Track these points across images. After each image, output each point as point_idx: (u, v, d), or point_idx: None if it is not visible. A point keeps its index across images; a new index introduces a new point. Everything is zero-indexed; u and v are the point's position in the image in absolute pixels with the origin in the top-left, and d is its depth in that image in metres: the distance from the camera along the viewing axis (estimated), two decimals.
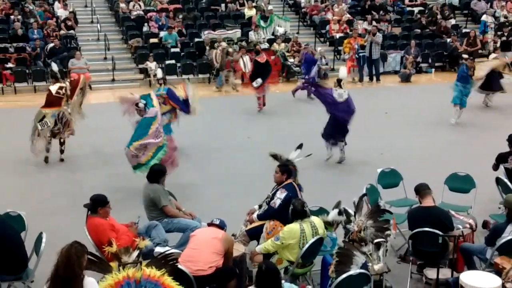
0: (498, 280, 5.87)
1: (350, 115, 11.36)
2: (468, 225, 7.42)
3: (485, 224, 8.19)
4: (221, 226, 6.78)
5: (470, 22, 25.64)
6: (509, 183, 8.59)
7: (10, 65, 18.61)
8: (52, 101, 11.55)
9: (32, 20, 20.38)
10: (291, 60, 20.68)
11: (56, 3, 22.07)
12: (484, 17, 24.07)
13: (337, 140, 11.48)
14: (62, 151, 11.80)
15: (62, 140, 11.74)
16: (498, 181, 8.77)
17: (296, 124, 14.27)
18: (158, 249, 6.78)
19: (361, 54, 19.87)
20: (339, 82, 11.72)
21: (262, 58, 16.60)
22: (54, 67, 13.29)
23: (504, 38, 21.49)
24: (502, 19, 24.34)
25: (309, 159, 8.72)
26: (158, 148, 9.94)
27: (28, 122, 11.91)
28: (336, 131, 11.41)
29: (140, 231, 7.21)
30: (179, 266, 6.06)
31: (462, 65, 15.02)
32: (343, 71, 12.74)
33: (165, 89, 12.11)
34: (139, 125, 10.11)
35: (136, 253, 5.74)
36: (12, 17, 20.47)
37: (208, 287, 6.43)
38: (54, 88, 11.67)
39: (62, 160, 11.78)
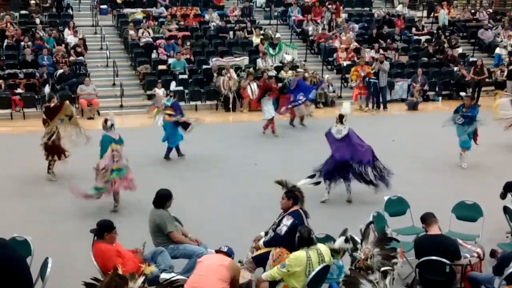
0: None
1: (352, 153, 10.66)
2: (475, 254, 7.37)
3: (493, 253, 8.14)
4: (229, 253, 6.77)
5: (477, 51, 25.75)
6: None
7: (19, 90, 18.77)
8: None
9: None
10: None
11: (66, 29, 22.34)
12: (498, 50, 24.13)
13: (336, 179, 10.83)
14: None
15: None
16: (506, 210, 8.73)
17: (304, 151, 14.27)
18: (164, 275, 6.76)
19: (372, 81, 19.92)
20: (341, 118, 10.92)
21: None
22: (46, 89, 14.44)
23: (511, 67, 21.51)
24: (509, 48, 24.42)
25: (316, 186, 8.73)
26: (113, 170, 10.17)
27: (36, 147, 12.01)
28: (335, 169, 10.76)
29: (145, 257, 7.20)
30: None
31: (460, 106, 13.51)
32: (346, 107, 11.38)
33: (169, 100, 13.71)
34: (101, 141, 10.32)
35: (141, 279, 5.71)
36: (22, 43, 20.70)
37: None
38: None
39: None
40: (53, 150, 12.11)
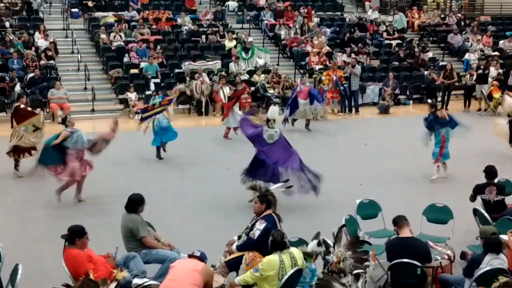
0: None
1: (282, 157, 10.66)
2: (446, 256, 7.45)
3: (463, 255, 8.23)
4: (202, 258, 6.75)
5: (447, 55, 26.09)
6: (486, 214, 8.67)
7: None
8: None
9: (12, 50, 20.33)
10: (271, 91, 20.81)
11: (37, 33, 22.06)
12: (467, 55, 24.44)
13: (255, 179, 10.56)
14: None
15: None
16: (476, 212, 8.86)
17: None
18: (136, 281, 6.72)
19: (345, 85, 20.05)
20: (267, 121, 10.96)
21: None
22: (17, 88, 15.75)
23: (480, 71, 21.80)
24: (478, 53, 24.78)
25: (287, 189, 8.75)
26: None
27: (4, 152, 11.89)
28: (258, 169, 10.77)
29: (118, 262, 7.13)
30: None
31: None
32: (274, 110, 11.50)
33: (160, 97, 14.41)
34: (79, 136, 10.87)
35: (113, 285, 5.70)
36: None
37: None
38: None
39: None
40: (22, 149, 12.21)
